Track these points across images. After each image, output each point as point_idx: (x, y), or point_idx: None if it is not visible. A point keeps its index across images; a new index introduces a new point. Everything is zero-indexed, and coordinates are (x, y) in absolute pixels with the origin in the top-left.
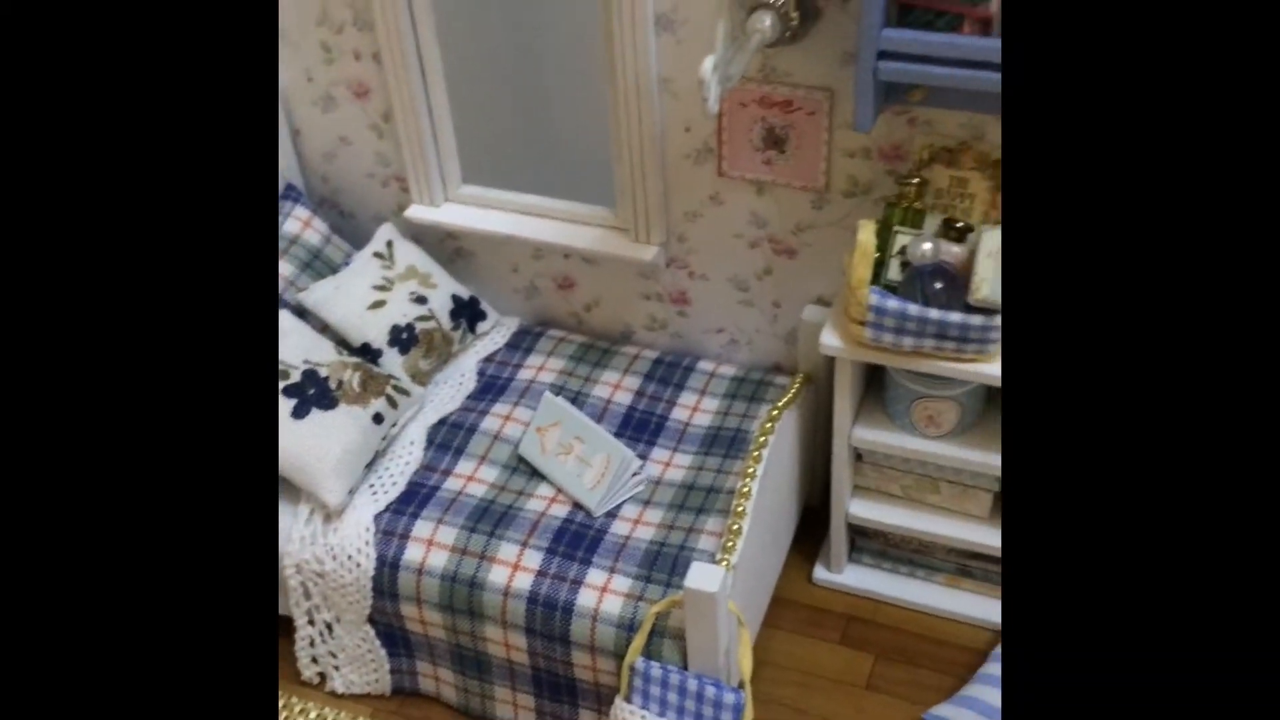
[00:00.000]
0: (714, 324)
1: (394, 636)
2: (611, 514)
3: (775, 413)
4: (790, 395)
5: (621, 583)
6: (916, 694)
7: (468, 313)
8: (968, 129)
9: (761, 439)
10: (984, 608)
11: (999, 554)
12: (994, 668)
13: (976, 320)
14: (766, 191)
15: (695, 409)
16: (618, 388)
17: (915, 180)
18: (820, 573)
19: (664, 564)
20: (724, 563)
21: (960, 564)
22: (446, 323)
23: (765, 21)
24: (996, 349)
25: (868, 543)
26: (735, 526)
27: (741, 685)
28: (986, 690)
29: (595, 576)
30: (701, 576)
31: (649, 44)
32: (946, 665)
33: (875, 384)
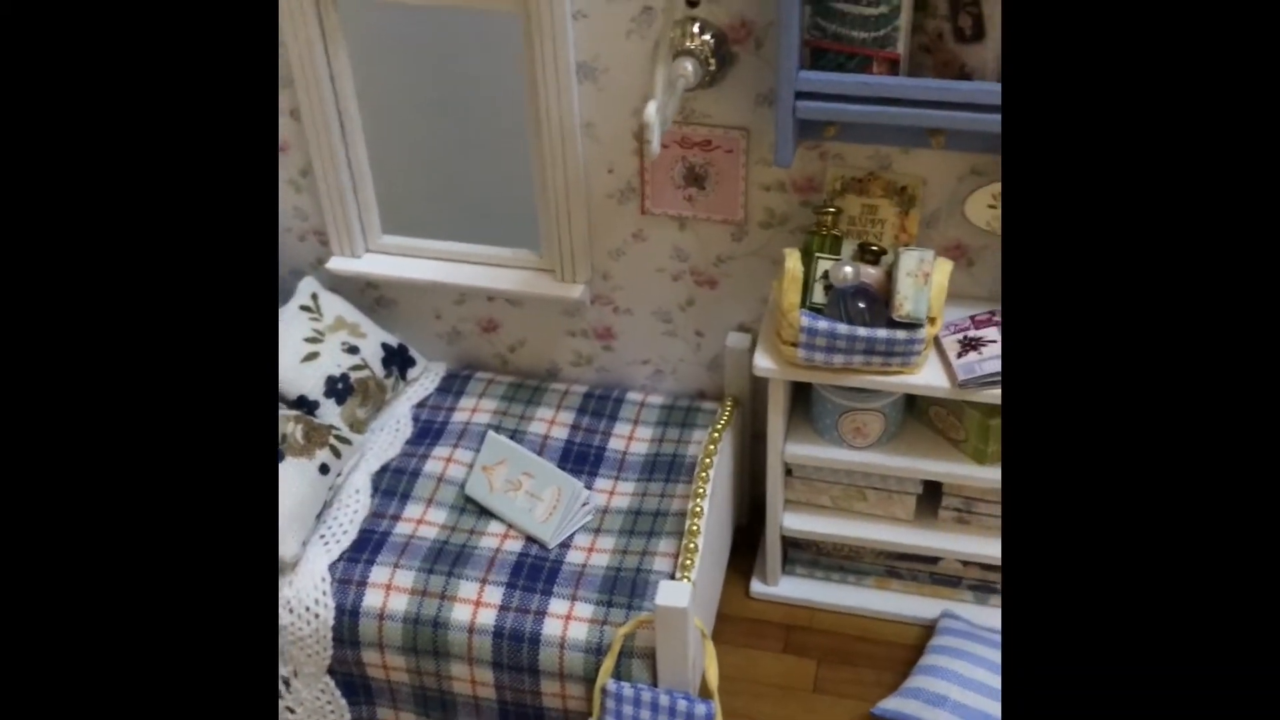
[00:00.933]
0: (639, 356)
1: (354, 685)
2: (565, 544)
3: (716, 434)
4: (726, 418)
5: (584, 609)
6: (861, 691)
7: (398, 360)
8: (875, 160)
9: (707, 460)
10: (913, 605)
11: (924, 553)
12: (931, 659)
13: (902, 335)
14: (688, 226)
15: (630, 438)
16: (553, 423)
17: (831, 210)
18: (757, 586)
19: (624, 587)
20: (686, 579)
21: (888, 566)
22: (379, 370)
23: (688, 67)
24: (919, 360)
25: (799, 553)
26: (691, 545)
27: (710, 696)
28: (929, 680)
29: (558, 605)
30: (671, 594)
31: (572, 91)
32: (885, 662)
33: (801, 402)
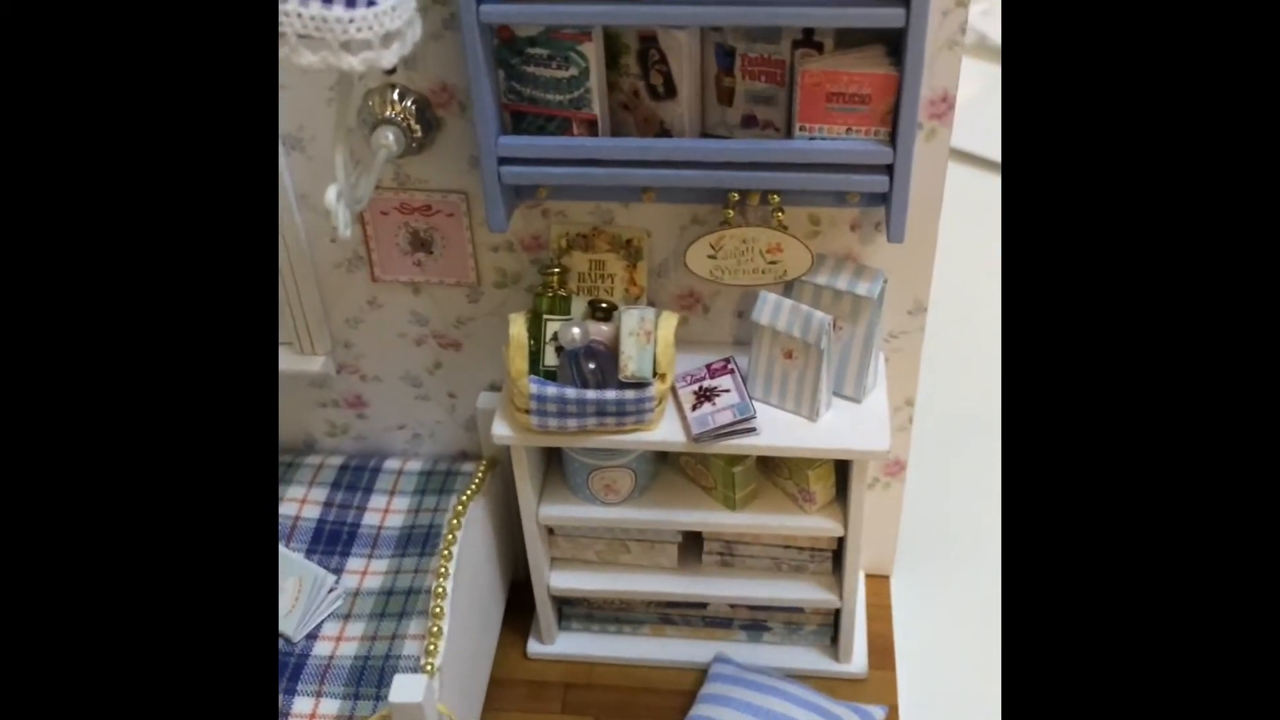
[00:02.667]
0: (394, 421)
1: None
2: (312, 635)
3: (460, 507)
4: (476, 485)
5: (330, 705)
6: None
7: None
8: (597, 215)
9: (450, 535)
10: (689, 650)
11: (692, 600)
12: (700, 709)
13: (631, 395)
14: (423, 291)
15: (387, 510)
16: (304, 502)
17: (556, 269)
18: (534, 646)
19: (370, 678)
20: (428, 667)
21: (661, 613)
22: None
23: (389, 137)
24: (653, 417)
25: (574, 609)
26: (435, 628)
27: None
28: (710, 708)
29: (302, 705)
30: (404, 689)
31: (281, 163)
32: (664, 712)
33: (555, 460)
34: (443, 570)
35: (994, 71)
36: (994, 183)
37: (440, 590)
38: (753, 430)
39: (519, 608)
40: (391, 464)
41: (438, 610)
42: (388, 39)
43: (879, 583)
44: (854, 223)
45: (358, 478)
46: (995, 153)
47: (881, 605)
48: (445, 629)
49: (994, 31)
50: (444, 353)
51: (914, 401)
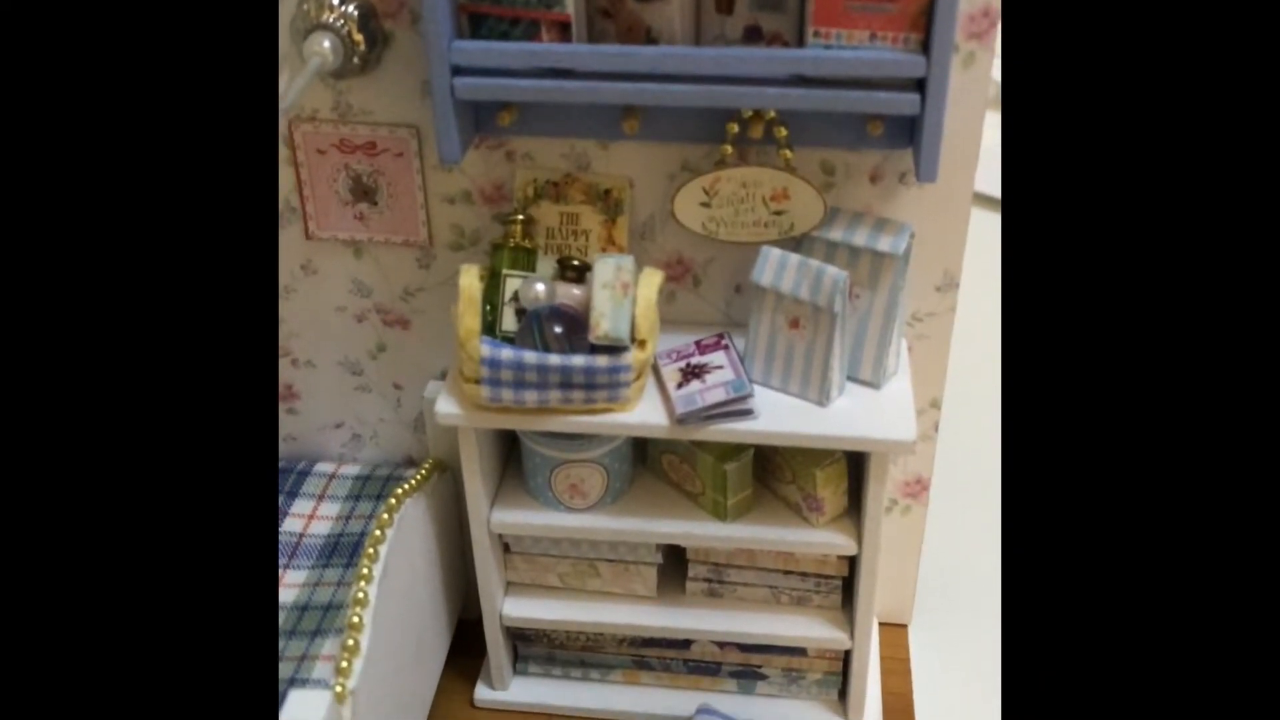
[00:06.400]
0: (331, 418)
1: None
2: None
3: (394, 501)
4: (416, 481)
5: None
6: None
7: None
8: (570, 159)
9: (379, 532)
10: (668, 701)
11: (673, 636)
12: None
13: (602, 362)
14: (365, 252)
15: (312, 517)
16: None
17: (520, 217)
18: (482, 692)
19: None
20: (338, 688)
21: (635, 655)
22: None
23: (324, 44)
24: (630, 393)
25: (532, 649)
26: (351, 642)
27: None
28: None
29: None
30: (301, 708)
31: None
32: None
33: (514, 462)
34: (365, 573)
35: None
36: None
37: (361, 596)
38: (749, 412)
39: (465, 651)
40: (324, 467)
41: (356, 620)
42: None
43: (896, 632)
44: (874, 172)
45: (282, 481)
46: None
47: (898, 659)
48: (364, 645)
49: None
50: (389, 332)
51: (940, 404)
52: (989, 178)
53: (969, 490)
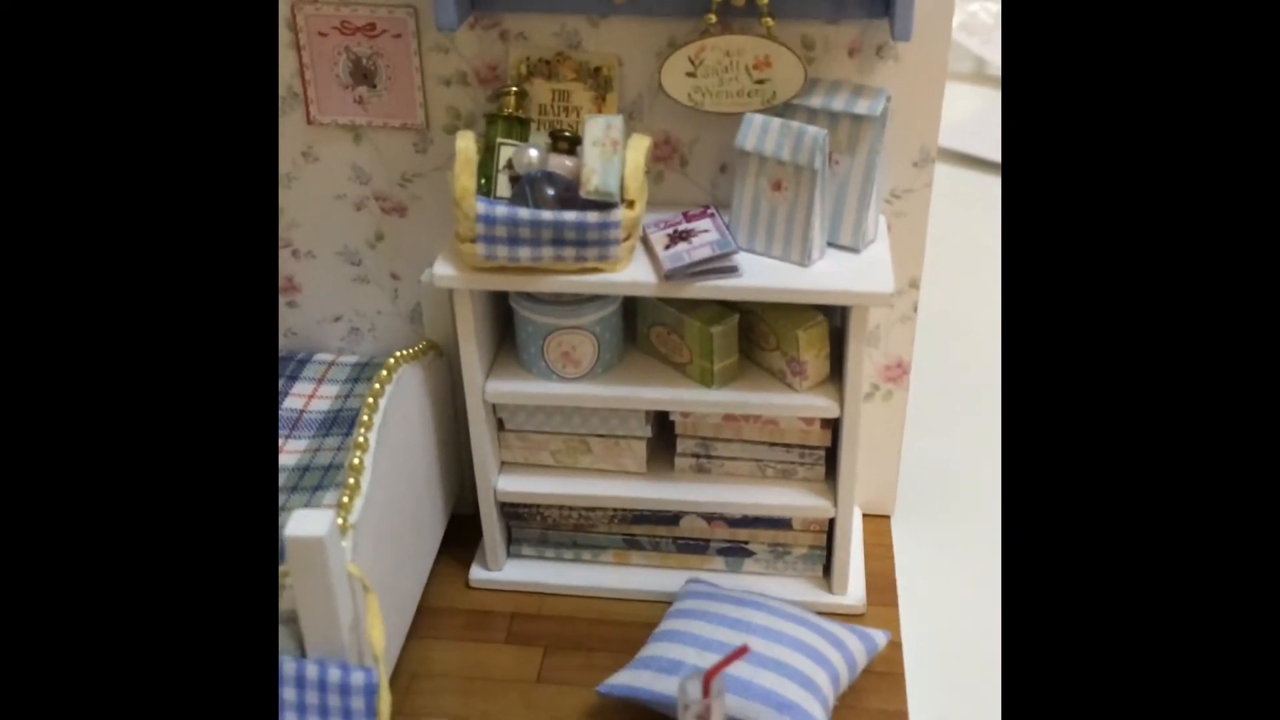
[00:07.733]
0: (330, 311)
1: None
2: None
3: (393, 362)
4: (413, 351)
5: None
6: (591, 677)
7: None
8: (561, 38)
9: (378, 386)
10: (657, 580)
11: (661, 512)
12: (668, 624)
13: (593, 217)
14: (364, 137)
15: (312, 396)
16: None
17: (514, 89)
18: (477, 573)
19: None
20: (340, 519)
21: (626, 534)
22: None
23: None
24: (620, 252)
25: (525, 531)
26: (353, 481)
27: (375, 661)
28: (663, 646)
29: None
30: (305, 522)
31: None
32: (621, 644)
33: (508, 340)
34: (366, 419)
35: (992, 94)
36: (991, 182)
37: (362, 441)
38: (734, 269)
39: (460, 541)
40: (323, 356)
41: (356, 462)
42: None
43: (879, 522)
44: (852, 46)
45: (283, 367)
46: (993, 154)
47: (881, 544)
48: (364, 486)
49: (993, 57)
50: (387, 220)
51: (919, 284)
52: (967, 140)
53: (949, 391)
